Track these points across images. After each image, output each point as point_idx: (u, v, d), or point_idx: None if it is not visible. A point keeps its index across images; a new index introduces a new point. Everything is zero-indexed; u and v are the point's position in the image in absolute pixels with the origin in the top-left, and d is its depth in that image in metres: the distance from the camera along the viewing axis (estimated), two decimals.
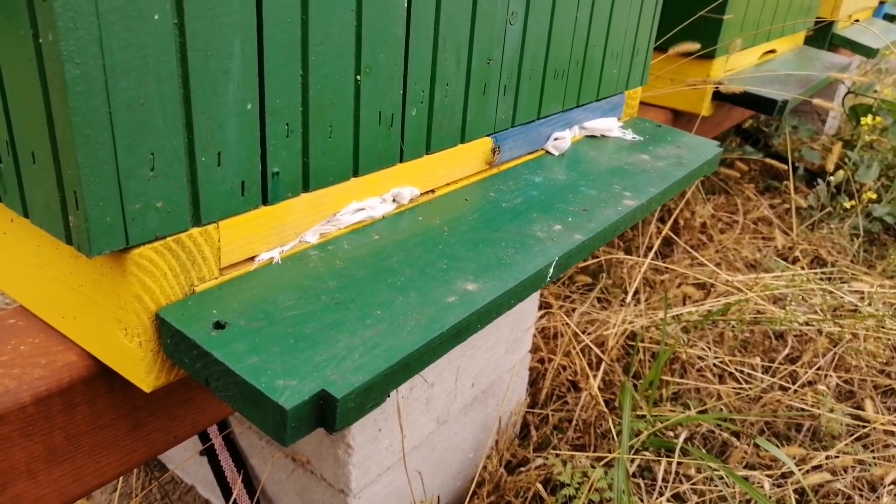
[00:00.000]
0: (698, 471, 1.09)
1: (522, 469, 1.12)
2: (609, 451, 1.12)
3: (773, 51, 1.81)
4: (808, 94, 1.57)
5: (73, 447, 0.57)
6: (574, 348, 1.29)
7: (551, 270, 0.68)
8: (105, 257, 0.50)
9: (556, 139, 0.96)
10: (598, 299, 1.55)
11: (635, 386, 1.28)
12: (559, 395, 1.28)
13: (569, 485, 1.04)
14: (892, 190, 2.02)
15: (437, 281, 0.61)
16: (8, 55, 0.45)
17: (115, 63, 0.43)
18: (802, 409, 1.23)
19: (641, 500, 1.06)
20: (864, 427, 1.20)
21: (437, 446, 1.02)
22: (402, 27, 0.65)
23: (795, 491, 1.08)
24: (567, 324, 1.33)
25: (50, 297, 0.58)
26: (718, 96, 1.46)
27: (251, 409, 0.47)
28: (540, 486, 1.06)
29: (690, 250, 1.74)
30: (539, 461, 1.11)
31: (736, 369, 1.33)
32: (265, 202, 0.58)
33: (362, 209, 0.68)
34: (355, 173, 0.66)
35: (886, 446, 1.18)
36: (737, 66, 1.60)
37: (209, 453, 1.01)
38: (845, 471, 1.13)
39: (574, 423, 1.20)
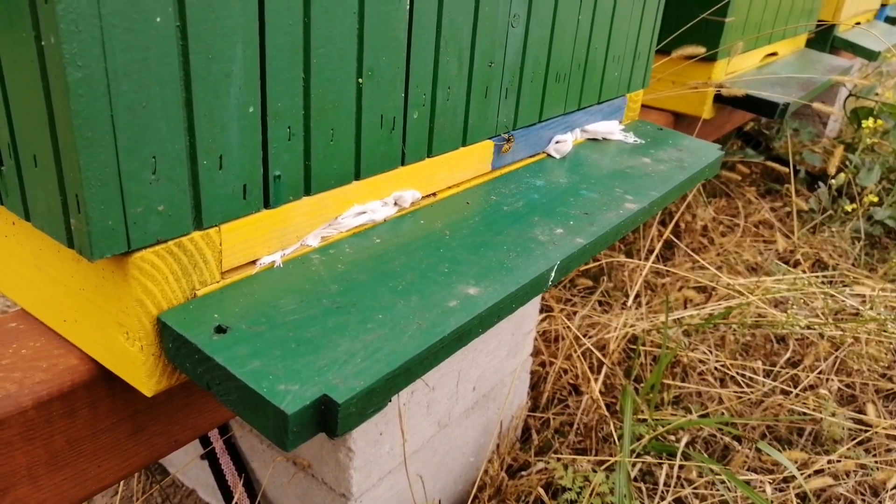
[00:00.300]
0: (700, 475, 1.09)
1: (524, 473, 1.12)
2: (610, 455, 1.12)
3: (774, 53, 1.81)
4: (809, 97, 1.57)
5: (75, 451, 0.56)
6: (575, 352, 1.29)
7: (553, 274, 0.68)
8: (107, 261, 0.50)
9: (557, 142, 0.96)
10: (600, 303, 1.55)
11: (636, 389, 1.27)
12: (560, 398, 1.28)
13: (570, 489, 1.03)
14: (893, 193, 2.02)
15: (439, 285, 0.61)
16: (10, 57, 0.45)
17: (117, 66, 0.43)
18: (804, 413, 1.23)
19: None
20: (866, 431, 1.20)
21: (438, 450, 1.02)
22: (404, 30, 0.64)
23: (797, 495, 1.08)
24: (568, 327, 1.33)
25: (51, 301, 0.57)
26: (720, 99, 1.46)
27: (253, 414, 0.47)
28: (541, 490, 1.05)
29: (691, 253, 1.74)
30: (540, 465, 1.11)
31: (737, 373, 1.33)
32: (267, 205, 0.58)
33: (364, 212, 0.68)
34: (357, 176, 0.66)
35: (889, 450, 1.17)
36: (738, 68, 1.60)
37: (210, 457, 1.01)
38: (847, 475, 1.13)
39: (575, 426, 1.20)
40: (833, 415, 1.21)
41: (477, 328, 0.58)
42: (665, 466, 1.09)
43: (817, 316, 1.45)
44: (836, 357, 1.35)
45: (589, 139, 1.05)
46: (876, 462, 1.14)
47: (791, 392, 1.28)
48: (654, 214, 0.95)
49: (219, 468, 1.00)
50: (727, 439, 1.20)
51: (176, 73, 0.47)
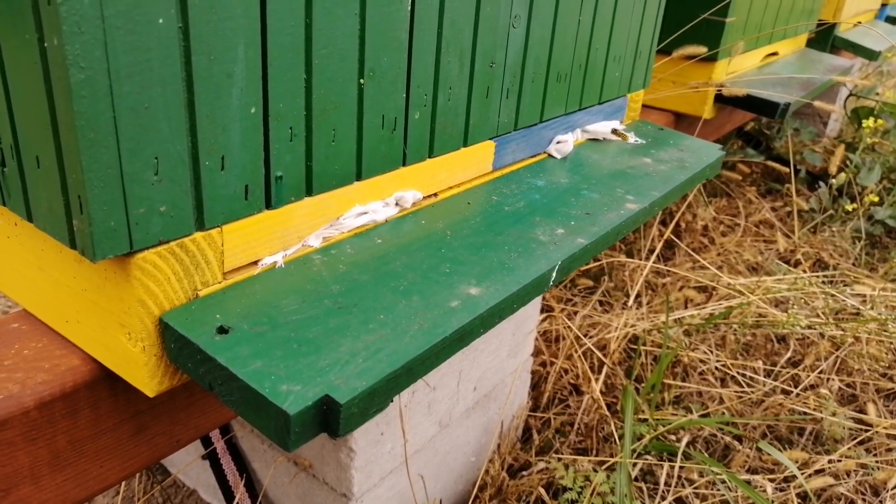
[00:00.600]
0: (701, 475, 1.09)
1: (524, 473, 1.12)
2: (611, 455, 1.12)
3: (775, 53, 1.81)
4: (810, 96, 1.57)
5: (77, 452, 0.56)
6: (576, 352, 1.29)
7: (554, 274, 0.68)
8: (109, 261, 0.50)
9: (558, 142, 0.96)
10: (600, 302, 1.55)
11: (637, 389, 1.27)
12: (561, 398, 1.28)
13: (571, 489, 1.03)
14: (893, 193, 2.02)
15: (440, 285, 0.61)
16: (13, 59, 0.45)
17: (119, 67, 0.43)
18: (805, 413, 1.23)
19: None
20: (867, 431, 1.20)
21: (439, 450, 1.02)
22: (406, 31, 0.65)
23: (798, 495, 1.08)
24: (569, 327, 1.33)
25: (53, 301, 0.58)
26: (720, 99, 1.46)
27: (254, 414, 0.47)
28: (542, 490, 1.05)
29: (692, 253, 1.74)
30: (541, 465, 1.11)
31: (738, 373, 1.33)
32: (268, 206, 0.58)
33: (365, 213, 0.68)
34: (358, 177, 0.66)
35: (889, 450, 1.17)
36: (739, 68, 1.60)
37: (211, 457, 1.01)
38: (848, 475, 1.13)
39: (576, 426, 1.20)
40: (834, 414, 1.21)
41: (478, 328, 0.58)
42: (666, 466, 1.09)
43: (818, 316, 1.45)
44: (837, 357, 1.35)
45: (590, 139, 1.05)
46: (876, 462, 1.14)
47: (792, 392, 1.28)
48: (655, 214, 0.95)
49: (220, 468, 1.01)
50: (728, 439, 1.20)
51: (178, 74, 0.47)
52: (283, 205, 0.59)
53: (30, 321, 0.61)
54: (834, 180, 1.99)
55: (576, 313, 1.46)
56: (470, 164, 0.81)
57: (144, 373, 0.53)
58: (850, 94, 2.30)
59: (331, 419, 0.47)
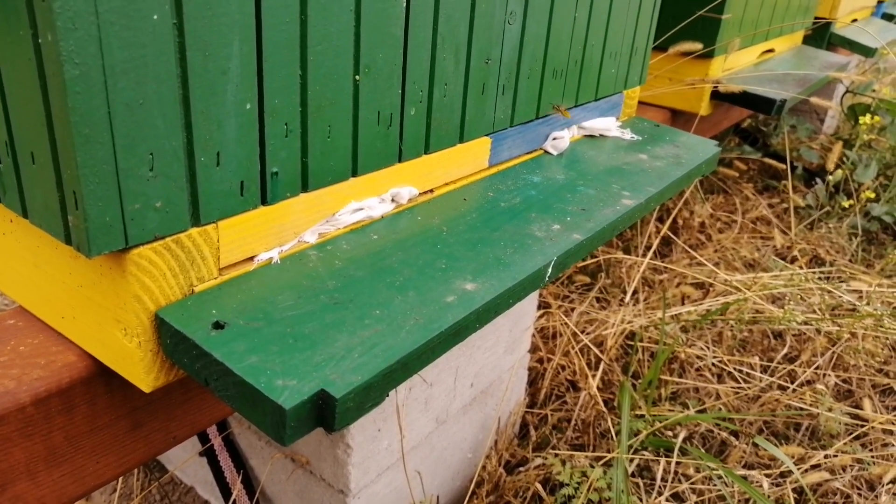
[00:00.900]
0: (697, 470, 1.09)
1: (521, 469, 1.12)
2: (608, 451, 1.12)
3: (771, 50, 1.81)
4: (806, 93, 1.58)
5: (73, 447, 0.57)
6: (573, 348, 1.29)
7: (550, 270, 0.68)
8: (104, 257, 0.50)
9: (554, 139, 0.96)
10: (597, 299, 1.55)
11: (634, 386, 1.28)
12: (558, 394, 1.28)
13: (568, 484, 1.04)
14: (890, 189, 2.03)
15: (436, 281, 0.61)
16: (7, 55, 0.45)
17: (114, 63, 0.43)
18: (801, 409, 1.23)
19: (640, 500, 1.06)
20: (863, 426, 1.20)
21: (436, 446, 1.02)
22: (401, 27, 0.65)
23: (794, 490, 1.08)
24: (566, 323, 1.33)
25: (49, 298, 0.58)
26: (717, 96, 1.46)
27: (250, 409, 0.47)
28: (539, 486, 1.06)
29: (689, 250, 1.74)
30: (538, 461, 1.11)
31: (735, 369, 1.33)
32: (264, 202, 0.58)
33: (361, 209, 0.68)
34: (354, 173, 0.66)
35: (885, 445, 1.18)
36: (735, 65, 1.60)
37: (209, 454, 1.01)
38: (844, 470, 1.13)
39: (573, 422, 1.20)
40: (830, 410, 1.21)
41: (474, 323, 0.58)
42: (662, 462, 1.10)
43: (814, 312, 1.46)
44: (833, 352, 1.36)
45: (586, 136, 1.05)
46: (872, 457, 1.15)
47: (788, 387, 1.28)
48: (652, 210, 0.95)
49: (217, 465, 1.01)
50: (724, 435, 1.20)
51: (173, 70, 0.47)
52: (278, 201, 0.59)
53: (26, 318, 0.61)
54: (830, 177, 2.00)
55: (573, 310, 1.46)
56: (466, 161, 0.81)
57: (140, 368, 0.53)
58: (847, 91, 2.30)
59: (326, 414, 0.47)
